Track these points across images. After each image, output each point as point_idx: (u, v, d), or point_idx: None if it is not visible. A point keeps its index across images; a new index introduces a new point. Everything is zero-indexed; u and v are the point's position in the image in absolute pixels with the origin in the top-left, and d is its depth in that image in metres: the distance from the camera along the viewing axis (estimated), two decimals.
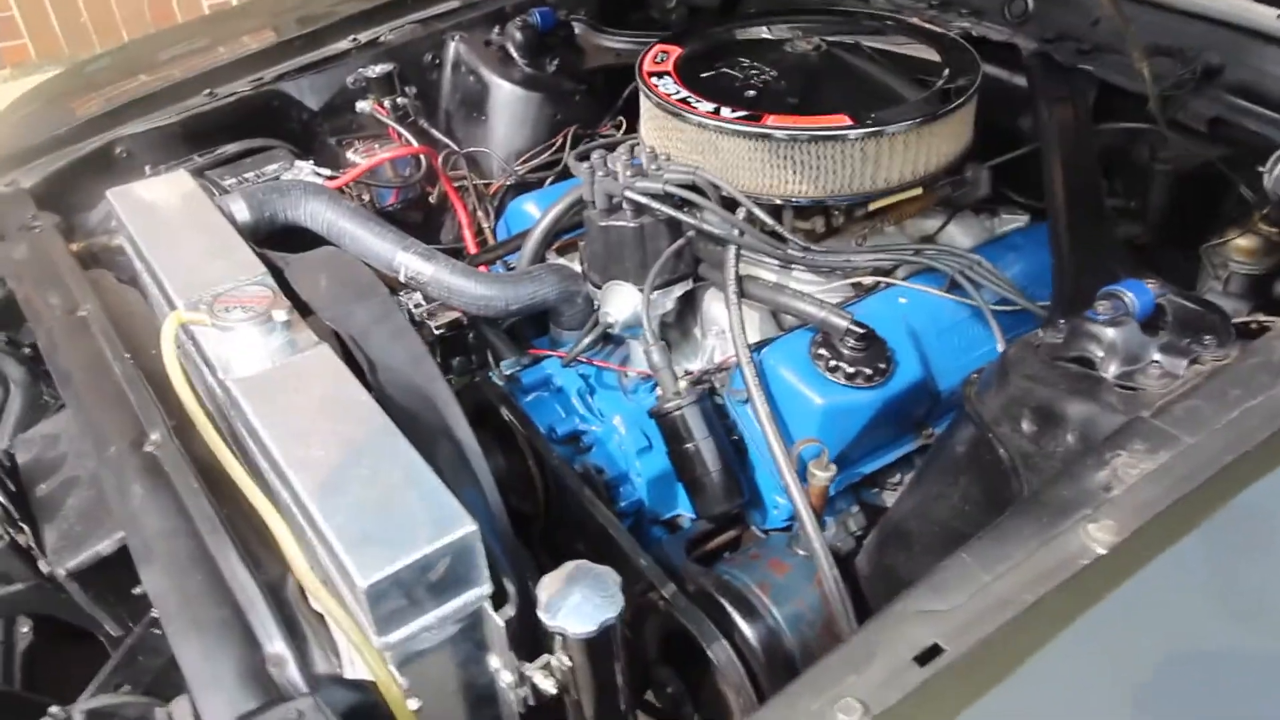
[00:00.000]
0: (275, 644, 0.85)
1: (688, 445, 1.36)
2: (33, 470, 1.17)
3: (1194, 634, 0.83)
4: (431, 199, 1.92)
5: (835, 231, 1.55)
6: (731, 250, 1.39)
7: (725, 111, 1.41)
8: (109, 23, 4.79)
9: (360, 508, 0.93)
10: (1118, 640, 0.81)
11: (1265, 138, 1.50)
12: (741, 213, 1.42)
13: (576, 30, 2.09)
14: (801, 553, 1.31)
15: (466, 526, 0.91)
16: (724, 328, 1.50)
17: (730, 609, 1.24)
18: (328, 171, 1.77)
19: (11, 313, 1.41)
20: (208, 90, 1.82)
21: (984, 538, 0.91)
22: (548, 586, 1.00)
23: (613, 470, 1.49)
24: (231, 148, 1.75)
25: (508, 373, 1.53)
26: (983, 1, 1.84)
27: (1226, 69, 1.57)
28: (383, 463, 0.98)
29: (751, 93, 1.47)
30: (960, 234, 1.67)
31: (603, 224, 1.43)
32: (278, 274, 1.26)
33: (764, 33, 1.67)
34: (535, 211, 1.76)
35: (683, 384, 1.36)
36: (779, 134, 1.37)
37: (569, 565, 1.02)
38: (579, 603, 0.98)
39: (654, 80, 1.52)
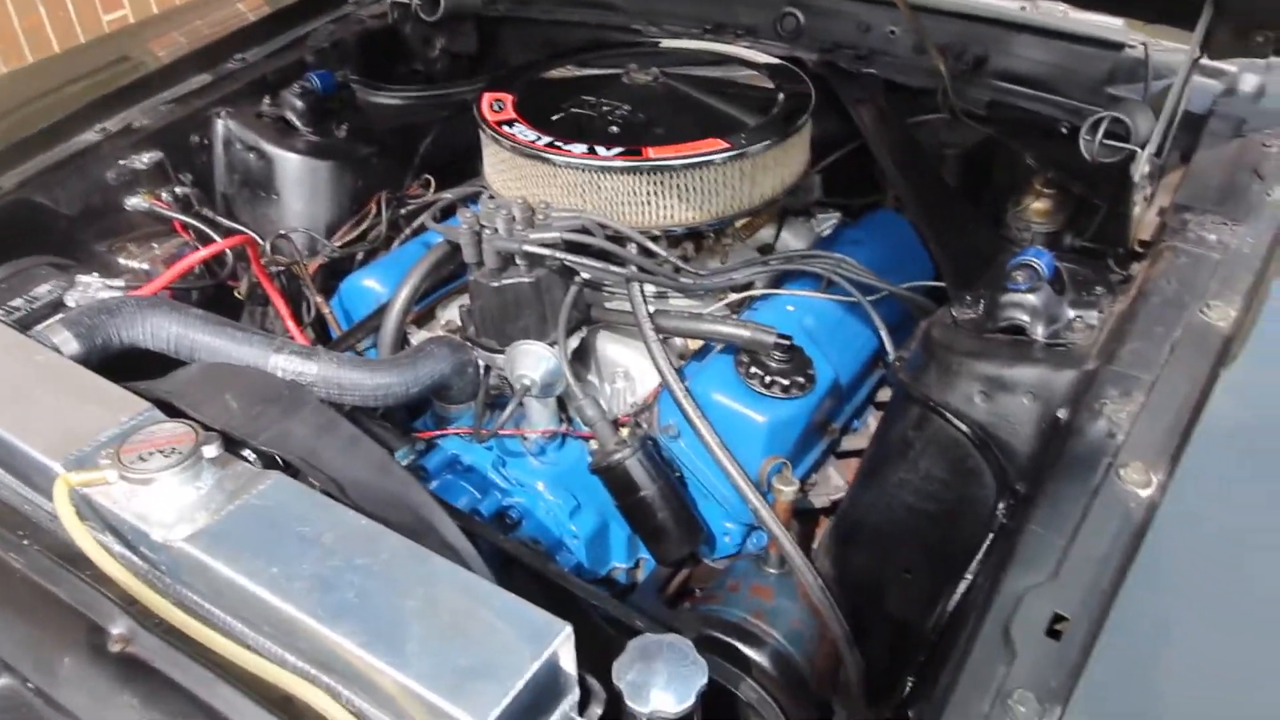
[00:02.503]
0: None
1: (641, 494, 1.31)
2: None
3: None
4: (238, 293, 1.70)
5: (700, 254, 1.57)
6: (636, 287, 1.36)
7: (601, 150, 1.38)
8: None
9: (435, 644, 0.80)
10: (1206, 567, 0.89)
11: (1035, 113, 1.71)
12: (632, 248, 1.40)
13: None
14: (773, 571, 1.31)
15: (563, 630, 0.82)
16: (627, 368, 1.47)
17: (740, 646, 1.21)
18: (118, 283, 1.51)
19: None
20: None
21: (1040, 503, 0.95)
22: (624, 671, 0.92)
23: (547, 539, 1.40)
24: None
25: (405, 463, 1.40)
26: (754, 20, 1.95)
27: (990, 59, 1.77)
28: (429, 587, 0.85)
29: (614, 129, 1.45)
30: (793, 238, 1.75)
31: (496, 284, 1.35)
32: (165, 406, 1.06)
33: (587, 70, 1.65)
34: (376, 286, 1.63)
35: (624, 432, 1.31)
36: (666, 165, 1.36)
37: (634, 643, 0.94)
38: (667, 679, 0.91)
39: (506, 128, 1.45)
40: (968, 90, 1.75)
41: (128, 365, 1.27)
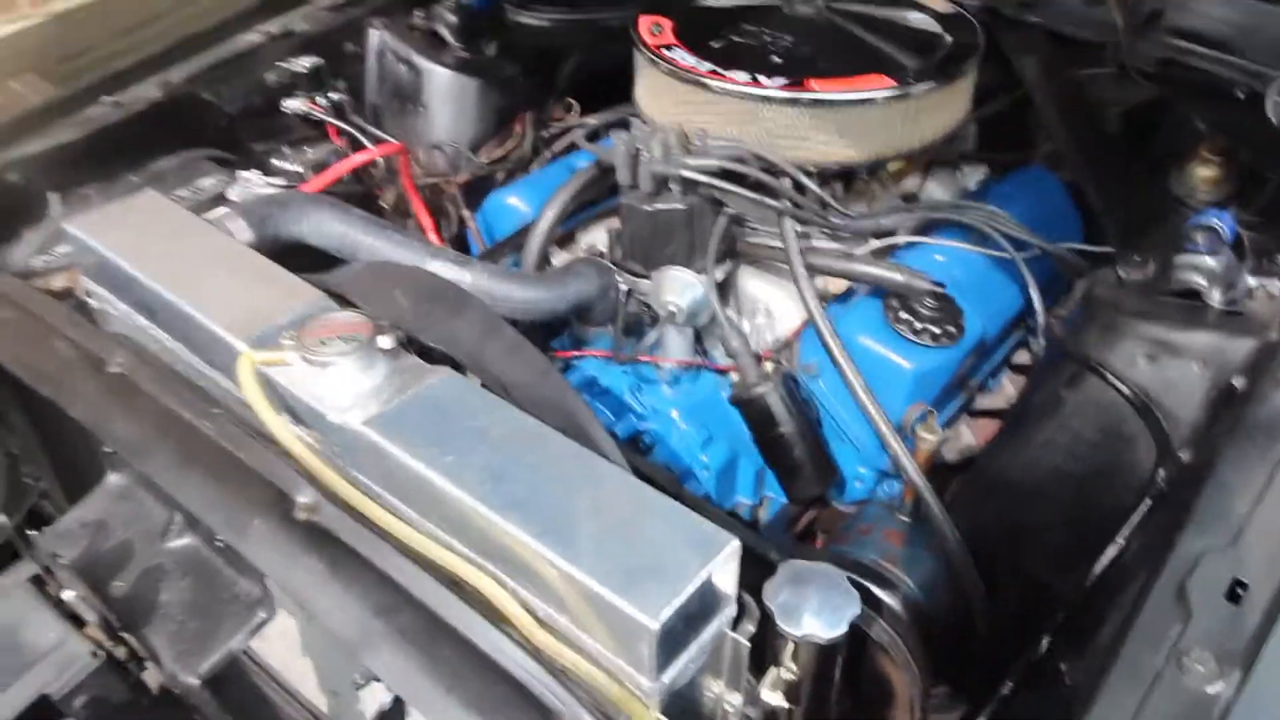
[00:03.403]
0: (577, 713, 0.73)
1: (780, 429, 1.31)
2: (91, 568, 0.95)
3: None
4: (383, 202, 1.73)
5: (848, 195, 1.54)
6: (788, 222, 1.35)
7: (763, 79, 1.36)
8: None
9: (605, 542, 0.81)
10: None
11: (1211, 74, 1.63)
12: (785, 183, 1.38)
13: None
14: (906, 519, 1.30)
15: (731, 542, 0.83)
16: (769, 305, 1.46)
17: (872, 587, 1.20)
18: (278, 181, 1.55)
19: None
20: (108, 98, 1.55)
21: (1219, 468, 0.92)
22: (776, 593, 0.92)
23: (677, 467, 1.41)
24: (166, 162, 1.50)
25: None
26: None
27: (1166, 13, 1.69)
28: (597, 488, 0.86)
29: (776, 59, 1.42)
30: (938, 189, 1.71)
31: (648, 208, 1.35)
32: (337, 298, 1.09)
33: None
34: (520, 205, 1.64)
35: (767, 366, 1.31)
36: (829, 99, 1.34)
37: (785, 568, 0.95)
38: (820, 605, 0.91)
39: (666, 52, 1.44)
40: (1139, 46, 1.67)
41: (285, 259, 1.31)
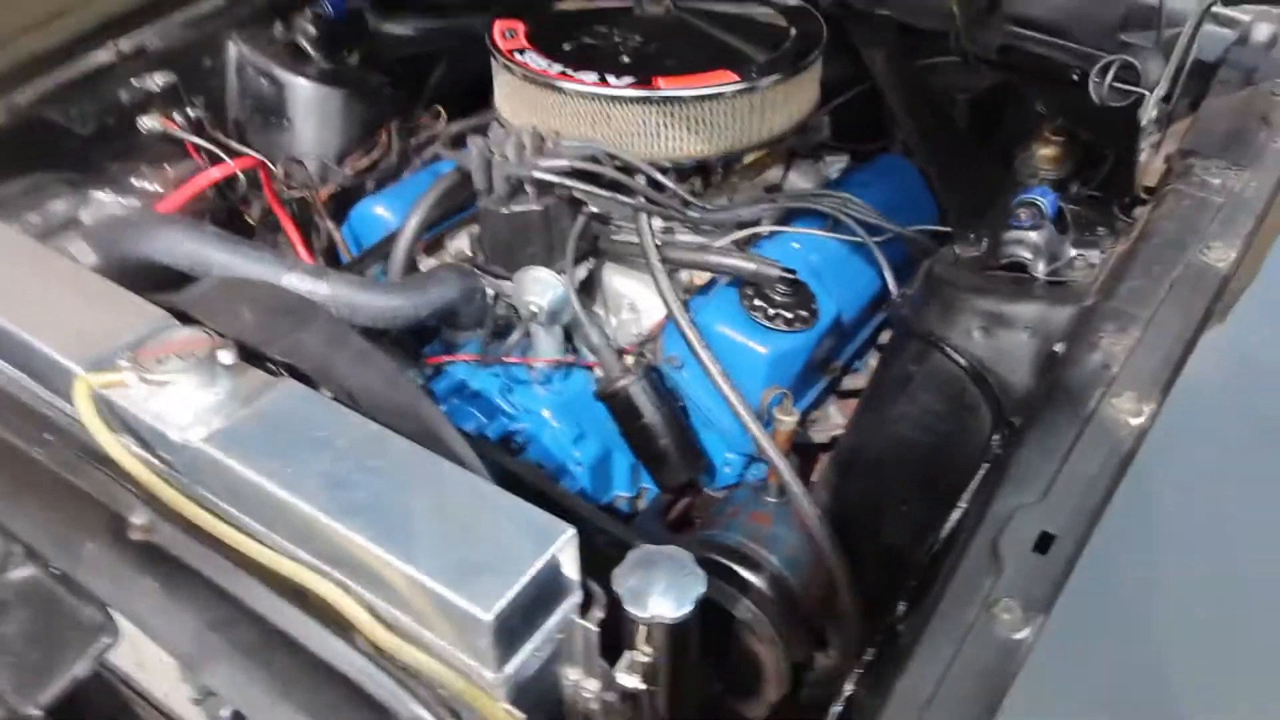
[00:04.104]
0: (420, 712, 0.75)
1: (644, 421, 1.34)
2: None
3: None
4: (249, 218, 1.72)
5: (708, 191, 1.58)
6: (644, 219, 1.38)
7: (612, 79, 1.39)
8: None
9: (443, 541, 0.83)
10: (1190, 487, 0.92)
11: (1047, 58, 1.71)
12: (639, 179, 1.41)
13: None
14: (772, 500, 1.34)
15: (566, 531, 0.85)
16: (633, 300, 1.49)
17: (737, 568, 1.24)
18: (132, 202, 1.53)
19: None
20: None
21: (1033, 429, 0.98)
22: (624, 578, 0.95)
23: (551, 464, 1.43)
24: (14, 186, 1.46)
25: (417, 384, 1.42)
26: None
27: (1004, 2, 1.77)
28: (438, 488, 0.88)
29: (625, 59, 1.45)
30: (800, 180, 1.76)
31: (505, 211, 1.36)
32: (181, 316, 1.08)
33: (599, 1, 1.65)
34: (386, 214, 1.64)
35: (629, 360, 1.34)
36: (676, 95, 1.37)
37: (633, 553, 0.97)
38: (666, 587, 0.94)
39: (518, 56, 1.46)
40: (980, 34, 1.75)
41: (140, 280, 1.29)
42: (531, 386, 1.46)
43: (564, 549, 0.86)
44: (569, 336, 1.50)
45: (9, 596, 0.94)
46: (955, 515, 1.18)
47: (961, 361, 1.22)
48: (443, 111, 1.86)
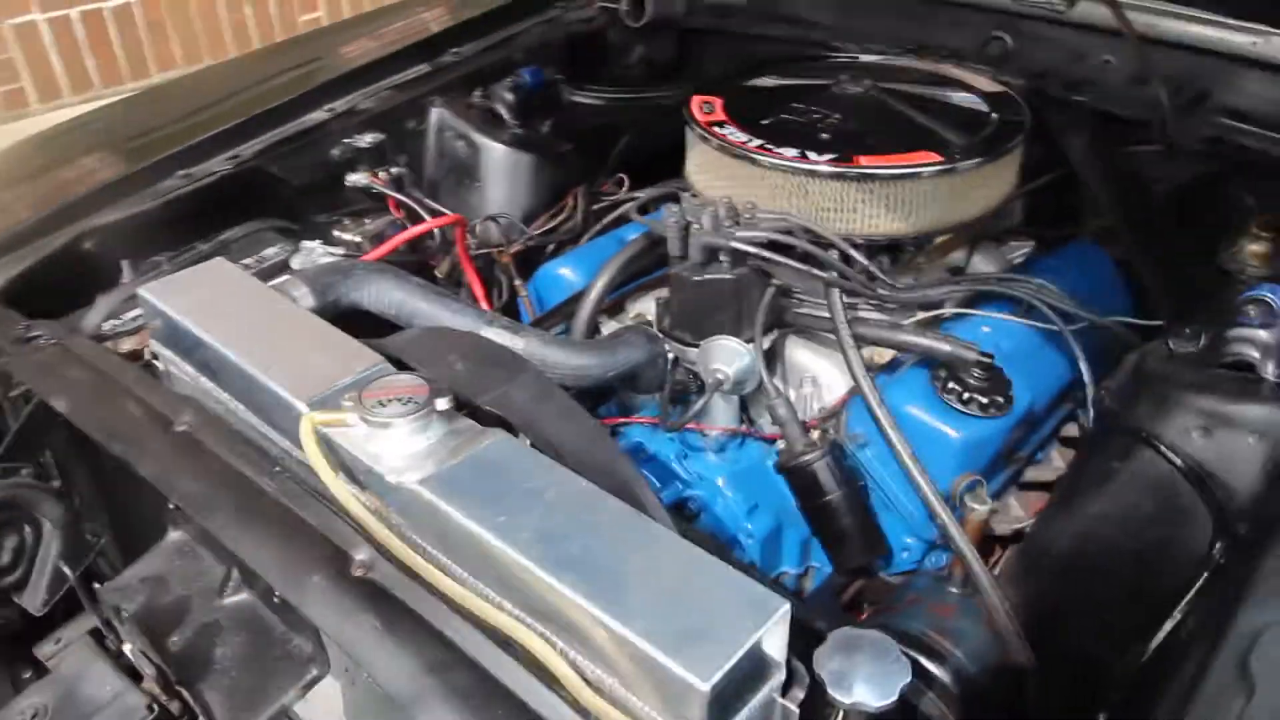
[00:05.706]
0: None
1: (827, 497, 1.31)
2: (150, 622, 0.97)
3: None
4: (438, 272, 1.78)
5: (894, 269, 1.56)
6: (835, 293, 1.37)
7: (811, 155, 1.40)
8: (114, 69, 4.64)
9: (657, 603, 0.82)
10: None
11: (1260, 151, 1.64)
12: (833, 254, 1.40)
13: None
14: (956, 591, 1.28)
15: (782, 606, 0.83)
16: (815, 375, 1.47)
17: (921, 658, 1.19)
18: (338, 251, 1.61)
19: (31, 439, 1.18)
20: (180, 172, 1.63)
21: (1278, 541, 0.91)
22: (826, 660, 0.92)
23: (723, 535, 1.41)
24: (233, 232, 1.57)
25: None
26: (959, 43, 1.93)
27: (1213, 93, 1.71)
28: (651, 550, 0.88)
29: (825, 135, 1.46)
30: (984, 263, 1.72)
31: (697, 279, 1.38)
32: (394, 362, 1.12)
33: (796, 79, 1.67)
34: (570, 275, 1.68)
35: (814, 434, 1.32)
36: (876, 173, 1.37)
37: (836, 635, 0.94)
38: (871, 673, 0.91)
39: (717, 129, 1.48)
40: (1186, 124, 1.69)
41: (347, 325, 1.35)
42: (706, 454, 1.46)
43: (778, 624, 0.84)
44: (745, 407, 1.50)
45: (224, 619, 0.98)
46: (1168, 626, 1.10)
47: (1177, 461, 1.15)
48: (625, 179, 1.91)
